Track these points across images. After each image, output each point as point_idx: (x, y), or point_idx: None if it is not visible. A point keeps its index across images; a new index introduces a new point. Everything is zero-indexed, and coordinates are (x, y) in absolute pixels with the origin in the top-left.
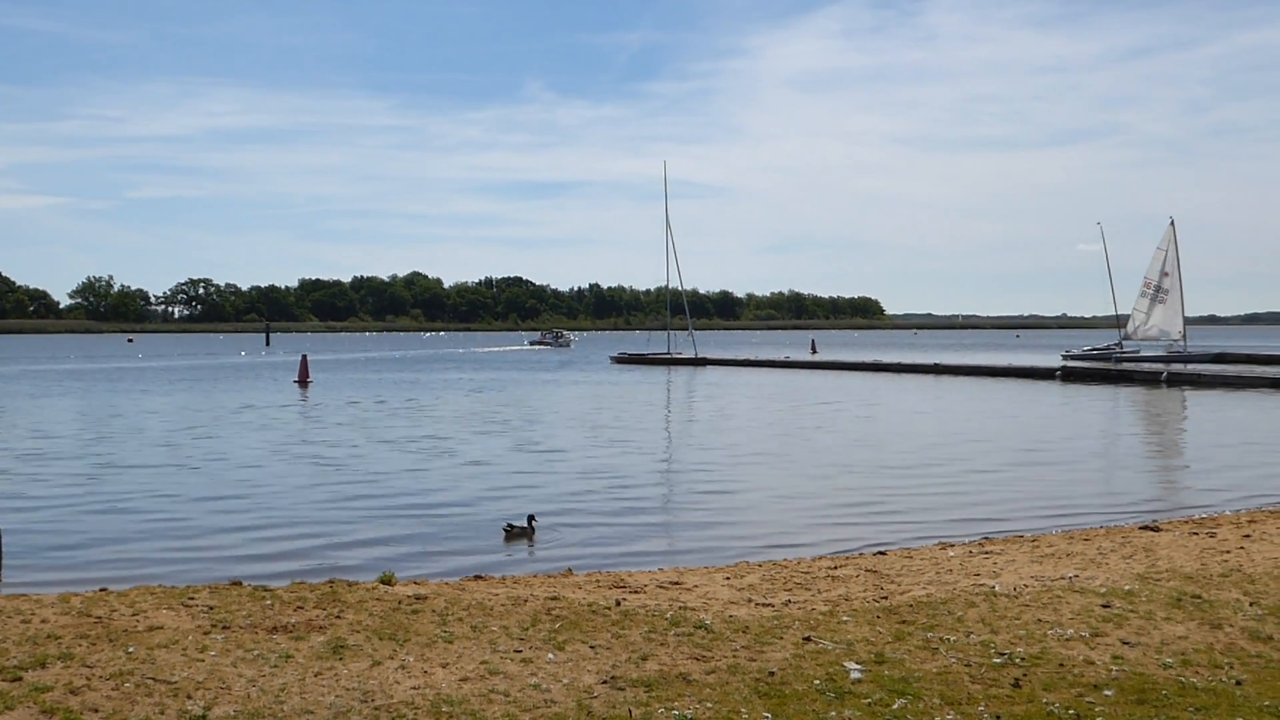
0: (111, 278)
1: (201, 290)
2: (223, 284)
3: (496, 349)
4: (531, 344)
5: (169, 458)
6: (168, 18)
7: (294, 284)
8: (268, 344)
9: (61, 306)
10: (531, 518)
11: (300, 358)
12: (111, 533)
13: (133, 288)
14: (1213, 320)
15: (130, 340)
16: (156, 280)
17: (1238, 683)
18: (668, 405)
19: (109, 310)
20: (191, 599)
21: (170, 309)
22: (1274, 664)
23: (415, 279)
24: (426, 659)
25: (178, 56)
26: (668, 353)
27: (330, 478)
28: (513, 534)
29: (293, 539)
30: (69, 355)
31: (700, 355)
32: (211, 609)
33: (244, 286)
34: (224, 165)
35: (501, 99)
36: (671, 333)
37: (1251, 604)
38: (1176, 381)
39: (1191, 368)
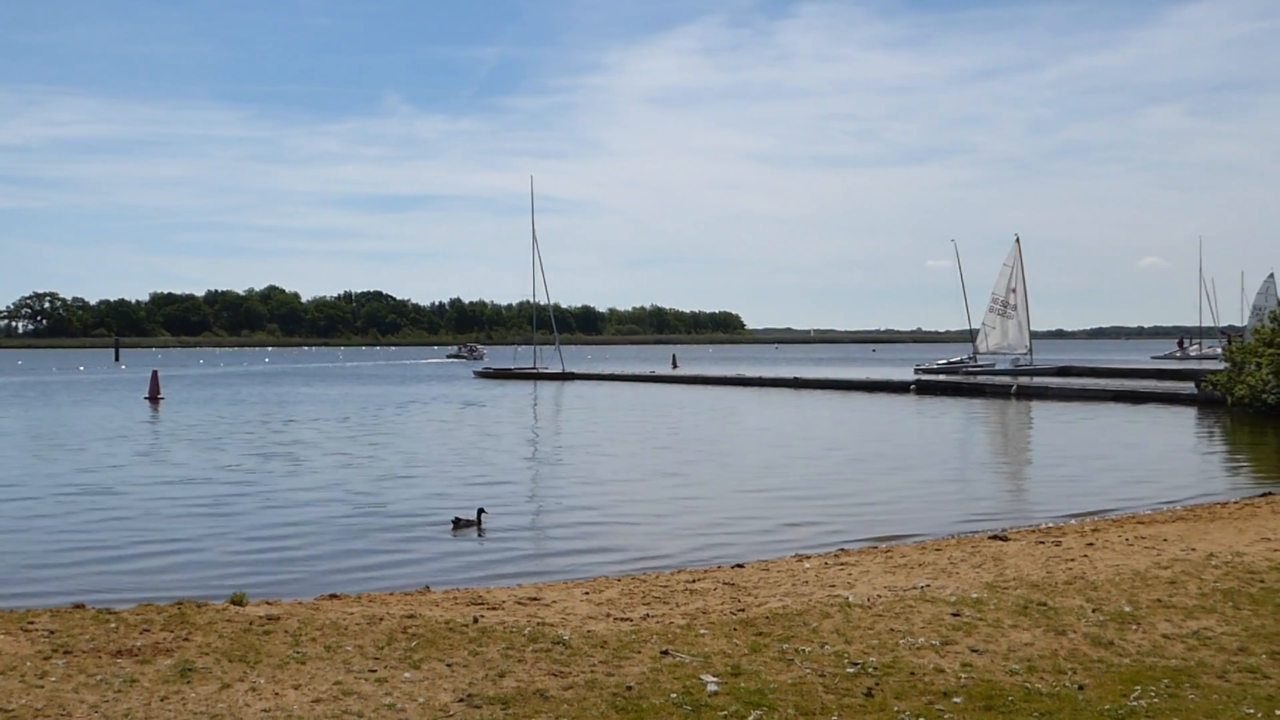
0: None
1: (47, 304)
2: (69, 298)
3: (422, 361)
4: (449, 357)
5: (4, 477)
6: (7, 23)
7: (145, 298)
8: (117, 359)
9: None
10: (481, 510)
11: (150, 374)
12: None
13: None
14: (1060, 335)
15: None
16: None
17: (1080, 687)
18: (533, 420)
19: None
20: (31, 624)
21: (14, 324)
22: (1115, 668)
23: (272, 293)
24: (278, 680)
25: (18, 64)
26: (534, 367)
27: (179, 496)
28: (460, 525)
29: (139, 560)
30: None
31: (566, 370)
32: (52, 633)
33: (92, 300)
34: (69, 176)
35: (358, 111)
36: (537, 347)
37: (1094, 610)
38: (1025, 394)
39: (1039, 381)
